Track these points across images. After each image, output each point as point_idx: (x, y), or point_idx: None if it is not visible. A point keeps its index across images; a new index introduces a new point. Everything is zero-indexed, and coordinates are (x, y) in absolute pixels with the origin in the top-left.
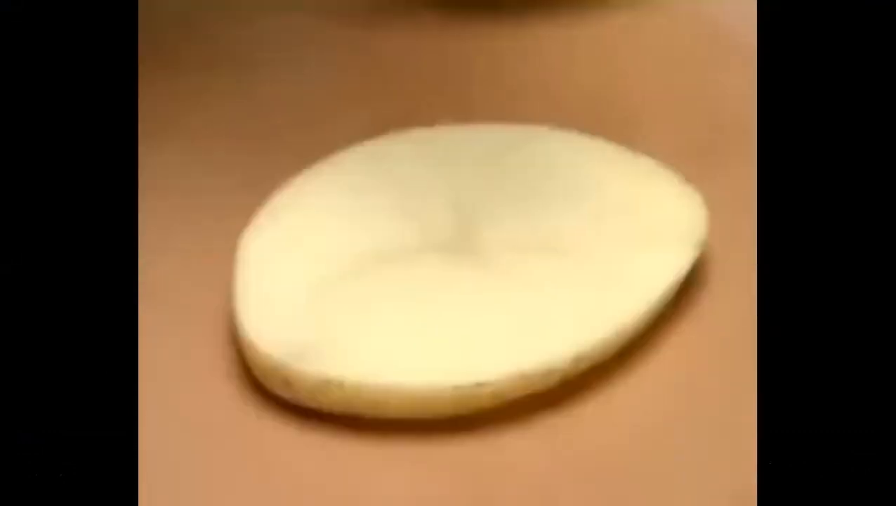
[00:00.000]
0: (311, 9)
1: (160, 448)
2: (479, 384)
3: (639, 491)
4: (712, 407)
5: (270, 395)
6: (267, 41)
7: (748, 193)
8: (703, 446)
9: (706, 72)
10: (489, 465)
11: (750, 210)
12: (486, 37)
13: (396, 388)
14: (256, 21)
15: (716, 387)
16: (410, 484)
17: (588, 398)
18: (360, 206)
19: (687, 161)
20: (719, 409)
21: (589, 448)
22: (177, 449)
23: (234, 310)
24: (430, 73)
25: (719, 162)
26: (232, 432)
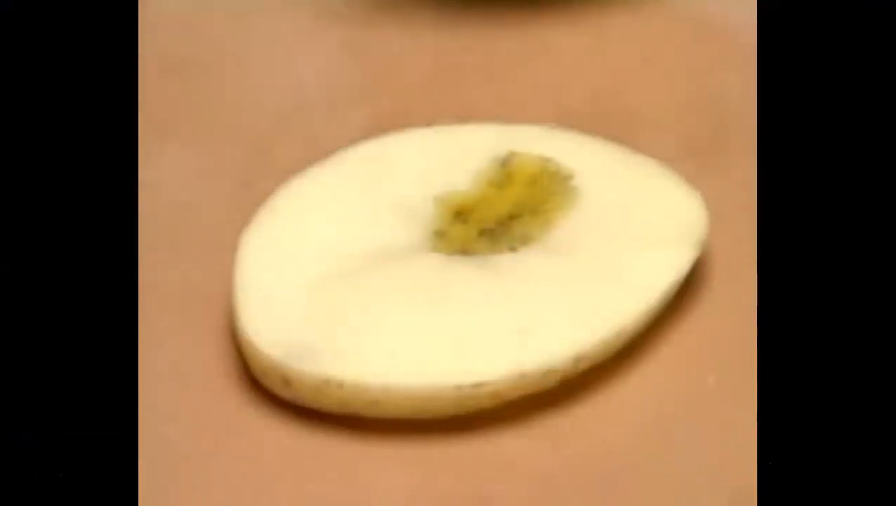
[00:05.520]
0: (310, 9)
1: (160, 448)
2: (479, 384)
3: (639, 491)
4: (712, 407)
5: (270, 395)
6: (267, 41)
7: (748, 193)
8: (703, 446)
9: (706, 72)
10: (489, 465)
11: (750, 210)
12: (486, 37)
13: (396, 388)
14: (256, 21)
15: (716, 387)
16: (410, 484)
17: (588, 398)
18: (360, 205)
19: (687, 161)
20: (719, 409)
21: (589, 448)
22: (177, 449)
23: (234, 310)
24: (429, 72)
25: (719, 162)
26: (232, 432)
